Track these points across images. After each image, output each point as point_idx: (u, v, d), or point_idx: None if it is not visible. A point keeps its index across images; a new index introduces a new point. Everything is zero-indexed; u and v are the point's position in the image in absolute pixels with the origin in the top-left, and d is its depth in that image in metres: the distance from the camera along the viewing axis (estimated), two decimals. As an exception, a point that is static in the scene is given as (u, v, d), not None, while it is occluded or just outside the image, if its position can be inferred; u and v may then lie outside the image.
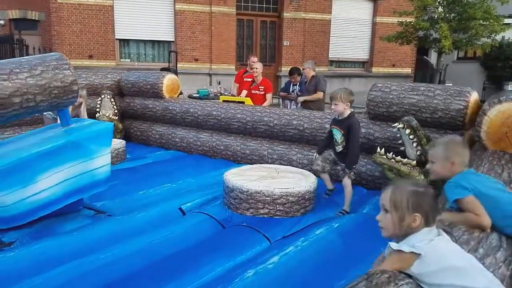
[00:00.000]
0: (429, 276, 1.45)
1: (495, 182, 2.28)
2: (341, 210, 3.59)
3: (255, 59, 7.11)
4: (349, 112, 3.60)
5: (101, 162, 3.45)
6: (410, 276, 1.50)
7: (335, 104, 3.59)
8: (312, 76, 6.68)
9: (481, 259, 1.74)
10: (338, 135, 3.62)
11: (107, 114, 6.00)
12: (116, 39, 12.76)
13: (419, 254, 1.46)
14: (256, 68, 6.72)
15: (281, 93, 7.55)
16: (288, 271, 2.62)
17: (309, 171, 4.04)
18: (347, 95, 3.55)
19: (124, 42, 13.08)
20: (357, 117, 4.39)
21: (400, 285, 1.38)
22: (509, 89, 15.11)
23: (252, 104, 6.23)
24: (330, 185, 3.93)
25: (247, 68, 7.13)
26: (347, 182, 3.63)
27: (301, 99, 6.56)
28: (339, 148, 3.68)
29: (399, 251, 1.51)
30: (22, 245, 2.89)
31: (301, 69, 6.95)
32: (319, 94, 6.61)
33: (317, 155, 3.92)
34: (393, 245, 1.53)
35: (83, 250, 2.77)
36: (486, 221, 1.97)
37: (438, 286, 1.43)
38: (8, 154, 3.04)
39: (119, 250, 2.81)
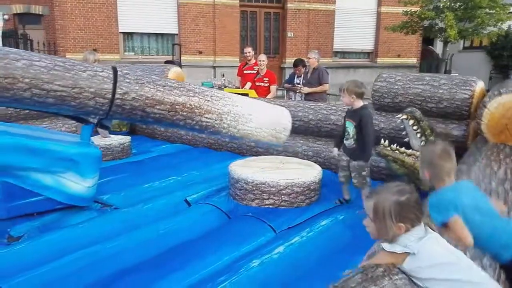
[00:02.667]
0: (419, 272, 1.50)
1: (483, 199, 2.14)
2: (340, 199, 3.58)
3: (249, 49, 7.10)
4: (361, 103, 3.51)
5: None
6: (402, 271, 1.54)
7: (342, 96, 3.55)
8: (314, 68, 6.62)
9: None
10: (350, 127, 3.52)
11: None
12: (120, 32, 12.75)
13: (412, 254, 1.51)
14: (262, 61, 6.73)
15: (286, 85, 7.53)
16: (293, 261, 2.65)
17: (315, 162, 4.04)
18: (353, 87, 3.49)
19: (128, 35, 13.07)
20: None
21: (395, 280, 1.43)
22: (515, 78, 14.98)
23: (257, 96, 6.23)
24: (347, 195, 3.73)
25: (246, 60, 7.15)
26: (364, 192, 3.50)
27: (306, 90, 6.51)
28: (350, 143, 3.52)
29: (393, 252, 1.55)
30: (30, 239, 2.92)
31: (307, 58, 6.85)
32: (326, 87, 6.58)
33: (336, 151, 3.73)
34: (386, 246, 1.56)
35: (91, 242, 2.80)
36: (468, 241, 1.87)
37: (426, 280, 1.49)
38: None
39: (126, 241, 2.84)
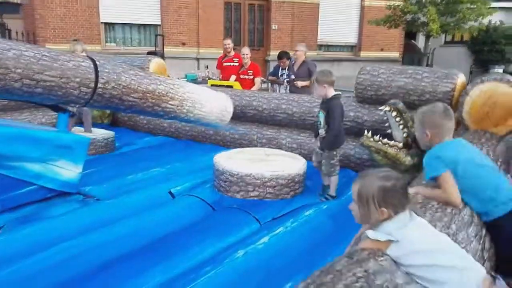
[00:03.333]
0: (402, 258, 1.51)
1: (479, 155, 2.25)
2: (326, 195, 3.61)
3: (228, 40, 7.06)
4: (332, 93, 3.56)
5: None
6: None
7: (315, 89, 3.63)
8: (303, 61, 6.61)
9: (454, 235, 1.81)
10: (321, 117, 3.60)
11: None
12: (101, 22, 12.50)
13: (396, 241, 1.52)
14: (246, 54, 6.70)
15: (270, 77, 7.52)
16: (278, 251, 2.66)
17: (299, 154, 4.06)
18: (322, 76, 3.53)
19: (110, 26, 12.82)
20: (347, 100, 4.42)
21: (380, 261, 1.44)
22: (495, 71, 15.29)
23: (241, 88, 6.20)
24: (326, 181, 3.72)
25: (225, 52, 7.09)
26: (332, 178, 3.61)
27: (300, 83, 6.43)
28: (322, 132, 3.60)
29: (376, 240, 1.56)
30: (10, 231, 2.87)
31: (294, 51, 6.78)
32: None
33: (314, 139, 3.86)
34: (370, 234, 1.57)
35: (72, 233, 2.75)
36: (456, 199, 1.99)
37: (409, 266, 1.50)
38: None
39: (108, 233, 2.80)
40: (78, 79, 3.05)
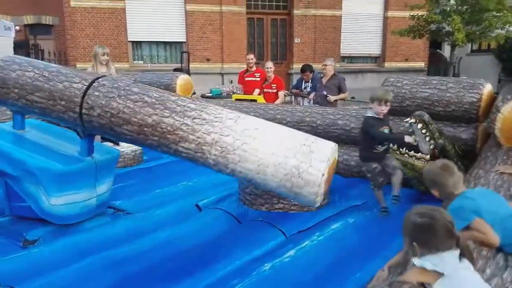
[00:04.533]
0: None
1: (496, 199, 2.24)
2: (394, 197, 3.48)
3: (251, 55, 7.18)
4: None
5: None
6: None
7: (386, 106, 3.47)
8: (334, 74, 6.63)
9: (488, 280, 1.77)
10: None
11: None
12: (129, 41, 12.92)
13: (441, 273, 1.51)
14: (270, 68, 6.80)
15: (293, 90, 7.57)
16: (305, 265, 2.67)
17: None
18: (390, 96, 3.55)
19: (137, 44, 13.23)
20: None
21: None
22: (525, 81, 14.86)
23: (264, 101, 6.27)
24: (384, 203, 3.58)
25: (248, 67, 7.21)
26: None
27: (333, 98, 6.36)
28: (385, 147, 3.58)
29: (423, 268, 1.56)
30: (45, 243, 2.99)
31: (323, 66, 6.71)
32: (347, 95, 6.70)
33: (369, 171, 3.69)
34: (417, 262, 1.58)
35: (104, 245, 2.85)
36: (494, 239, 1.96)
37: None
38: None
39: (138, 245, 2.88)
40: (63, 102, 2.73)
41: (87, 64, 10.90)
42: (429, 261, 1.54)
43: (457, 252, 1.56)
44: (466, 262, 1.58)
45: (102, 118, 2.64)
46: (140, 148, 5.25)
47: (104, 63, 5.41)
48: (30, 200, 3.13)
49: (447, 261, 1.53)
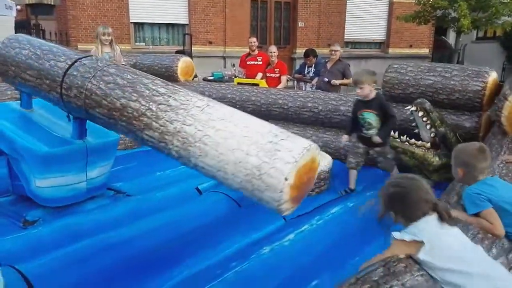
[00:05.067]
0: (436, 261, 1.52)
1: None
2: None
3: (253, 39, 7.11)
4: (375, 92, 3.55)
5: None
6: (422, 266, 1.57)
7: (361, 88, 3.49)
8: (339, 60, 6.58)
9: (494, 259, 1.77)
10: (372, 118, 3.54)
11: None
12: (131, 22, 12.78)
13: (422, 242, 1.53)
14: (273, 52, 6.73)
15: (296, 75, 7.52)
16: (304, 248, 2.68)
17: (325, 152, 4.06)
18: (371, 75, 3.52)
19: (139, 25, 13.08)
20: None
21: (416, 276, 1.44)
22: (530, 69, 14.74)
23: (267, 86, 6.23)
24: (353, 185, 3.73)
25: (250, 51, 7.13)
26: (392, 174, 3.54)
27: (337, 82, 6.39)
28: (373, 132, 3.54)
29: (403, 240, 1.58)
30: (45, 223, 3.01)
31: (332, 51, 6.66)
32: (350, 81, 6.61)
33: (345, 140, 3.81)
34: (396, 235, 1.60)
35: (104, 227, 2.86)
36: (500, 231, 1.97)
37: (442, 270, 1.51)
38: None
39: (138, 227, 2.89)
40: (48, 81, 2.62)
41: (89, 45, 10.82)
42: (406, 232, 1.57)
43: (432, 217, 1.57)
44: (447, 226, 1.59)
45: (78, 99, 2.49)
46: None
47: (106, 43, 5.37)
48: (23, 179, 3.12)
49: (422, 227, 1.55)
